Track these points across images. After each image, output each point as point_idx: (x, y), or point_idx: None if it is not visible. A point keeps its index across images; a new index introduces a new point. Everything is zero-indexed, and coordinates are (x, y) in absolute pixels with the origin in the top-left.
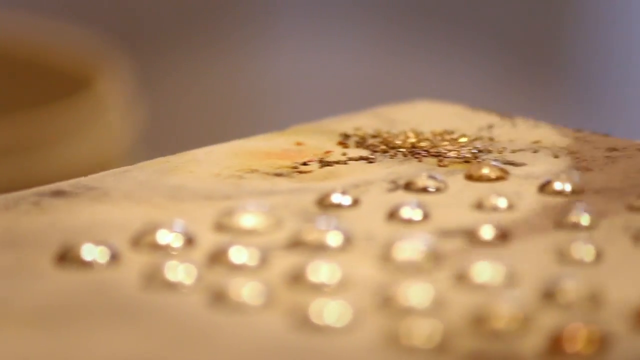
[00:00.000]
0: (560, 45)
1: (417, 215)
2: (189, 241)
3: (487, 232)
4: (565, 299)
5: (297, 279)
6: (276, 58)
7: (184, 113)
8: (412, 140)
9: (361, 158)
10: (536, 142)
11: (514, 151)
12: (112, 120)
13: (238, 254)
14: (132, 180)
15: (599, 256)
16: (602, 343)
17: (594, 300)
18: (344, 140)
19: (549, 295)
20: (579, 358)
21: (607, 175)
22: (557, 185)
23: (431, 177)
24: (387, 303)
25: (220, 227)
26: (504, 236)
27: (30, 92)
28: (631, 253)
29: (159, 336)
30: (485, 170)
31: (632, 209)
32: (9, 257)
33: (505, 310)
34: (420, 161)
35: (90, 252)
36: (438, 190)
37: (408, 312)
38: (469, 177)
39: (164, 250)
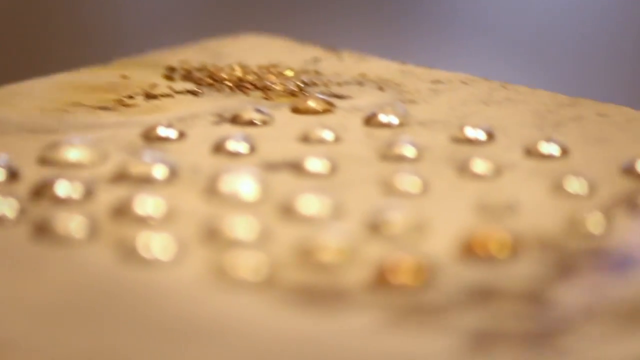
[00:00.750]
0: None
1: (243, 148)
2: (13, 175)
3: (313, 165)
4: (391, 230)
5: (122, 212)
6: None
7: (2, 45)
8: (239, 73)
9: (187, 91)
10: (362, 75)
11: (339, 84)
12: None
13: (63, 188)
14: None
15: (424, 187)
16: (427, 274)
17: (420, 231)
18: (169, 73)
19: (375, 227)
20: (404, 289)
21: (432, 107)
22: (382, 118)
23: (257, 110)
24: (213, 236)
25: (45, 160)
26: (330, 168)
27: None
28: (455, 184)
29: None
30: (311, 103)
31: (456, 140)
32: None
33: (331, 242)
34: (246, 95)
35: None
36: (264, 123)
37: (234, 244)
38: (295, 110)
39: None
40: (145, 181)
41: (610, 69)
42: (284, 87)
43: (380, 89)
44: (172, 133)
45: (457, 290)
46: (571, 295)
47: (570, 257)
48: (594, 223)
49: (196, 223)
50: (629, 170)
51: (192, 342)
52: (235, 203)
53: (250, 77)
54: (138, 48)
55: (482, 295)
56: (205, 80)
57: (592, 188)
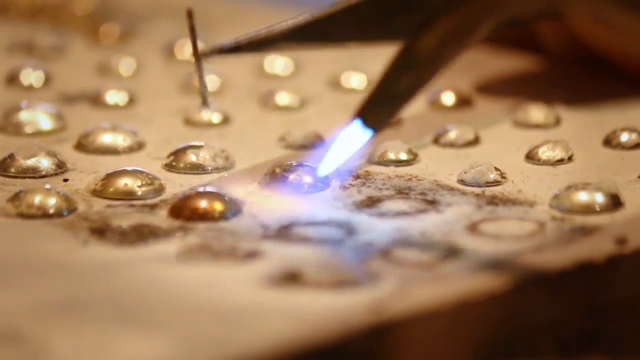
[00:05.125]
0: None
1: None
2: None
3: (111, 97)
4: (193, 162)
5: None
6: None
7: None
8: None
9: None
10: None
11: (134, 15)
12: None
13: None
14: None
15: (225, 120)
16: (230, 207)
17: (224, 162)
18: None
19: (178, 159)
20: (207, 221)
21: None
22: (183, 49)
23: (53, 39)
24: (2, 167)
25: None
26: (130, 100)
27: None
28: (259, 116)
29: None
30: (108, 32)
31: (259, 72)
32: None
33: (132, 173)
34: (38, 23)
35: None
36: (61, 52)
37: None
38: (93, 39)
39: None
40: None
41: None
42: (77, 16)
43: (177, 17)
44: None
45: (256, 222)
46: (380, 222)
47: (378, 190)
48: (402, 154)
49: None
50: (433, 102)
51: (14, 277)
52: (31, 136)
53: (40, 5)
54: None
55: (285, 227)
56: None
57: (398, 120)
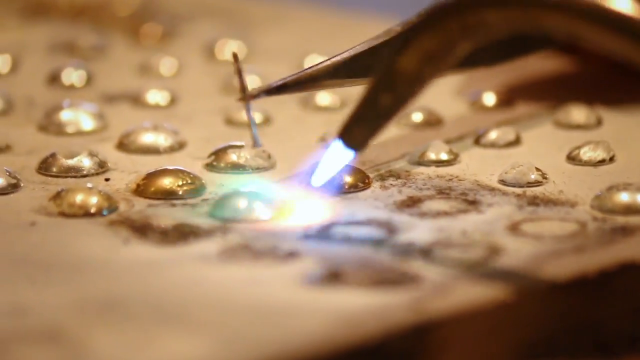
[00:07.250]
0: None
1: (79, 79)
2: None
3: (153, 96)
4: (234, 162)
5: None
6: None
7: None
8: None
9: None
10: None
11: (176, 16)
12: None
13: None
14: None
15: (267, 120)
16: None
17: (267, 162)
18: None
19: (219, 158)
20: (254, 224)
21: (276, 38)
22: (224, 49)
23: (95, 39)
24: (44, 167)
25: None
26: (170, 100)
27: None
28: (299, 117)
29: None
30: (150, 32)
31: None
32: None
33: (173, 173)
34: (80, 24)
35: None
36: (102, 53)
37: (74, 171)
38: (135, 39)
39: None
40: None
41: None
42: (119, 16)
43: (218, 18)
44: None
45: (297, 222)
46: (421, 222)
47: (419, 190)
48: (442, 154)
49: (33, 158)
50: (474, 103)
51: (56, 276)
52: (73, 136)
53: (82, 5)
54: None
55: (326, 227)
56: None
57: (439, 121)
